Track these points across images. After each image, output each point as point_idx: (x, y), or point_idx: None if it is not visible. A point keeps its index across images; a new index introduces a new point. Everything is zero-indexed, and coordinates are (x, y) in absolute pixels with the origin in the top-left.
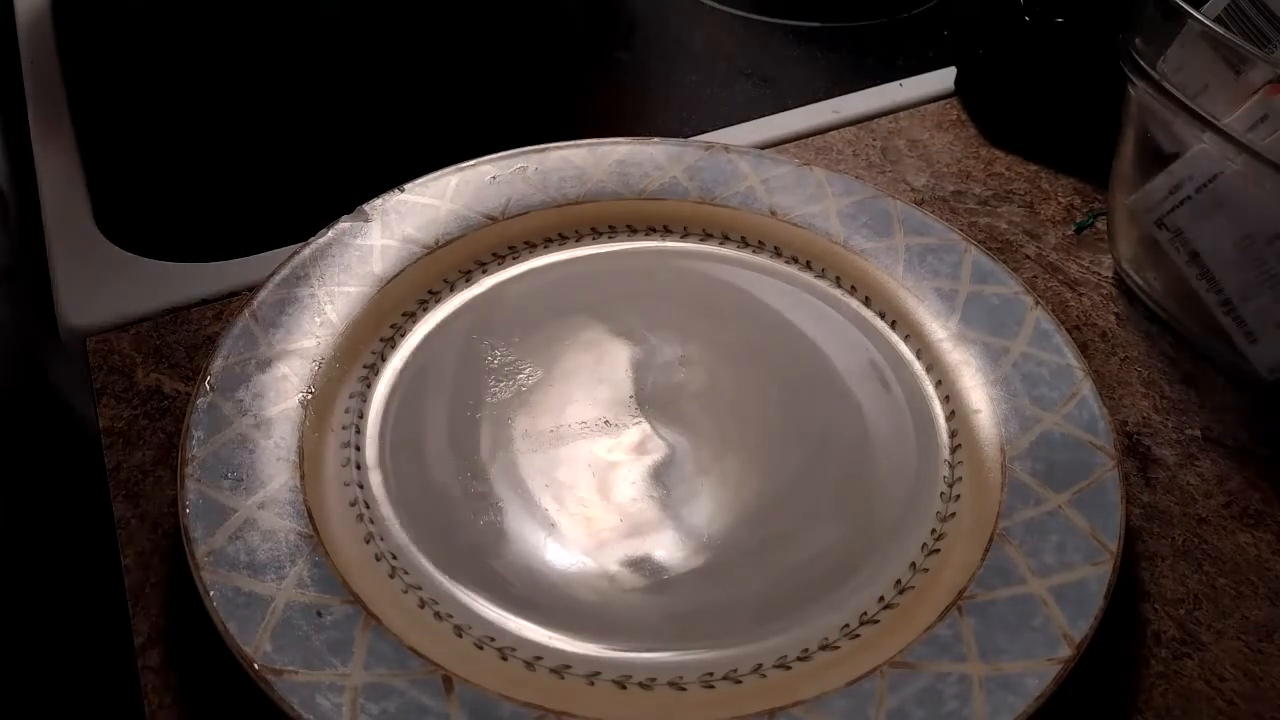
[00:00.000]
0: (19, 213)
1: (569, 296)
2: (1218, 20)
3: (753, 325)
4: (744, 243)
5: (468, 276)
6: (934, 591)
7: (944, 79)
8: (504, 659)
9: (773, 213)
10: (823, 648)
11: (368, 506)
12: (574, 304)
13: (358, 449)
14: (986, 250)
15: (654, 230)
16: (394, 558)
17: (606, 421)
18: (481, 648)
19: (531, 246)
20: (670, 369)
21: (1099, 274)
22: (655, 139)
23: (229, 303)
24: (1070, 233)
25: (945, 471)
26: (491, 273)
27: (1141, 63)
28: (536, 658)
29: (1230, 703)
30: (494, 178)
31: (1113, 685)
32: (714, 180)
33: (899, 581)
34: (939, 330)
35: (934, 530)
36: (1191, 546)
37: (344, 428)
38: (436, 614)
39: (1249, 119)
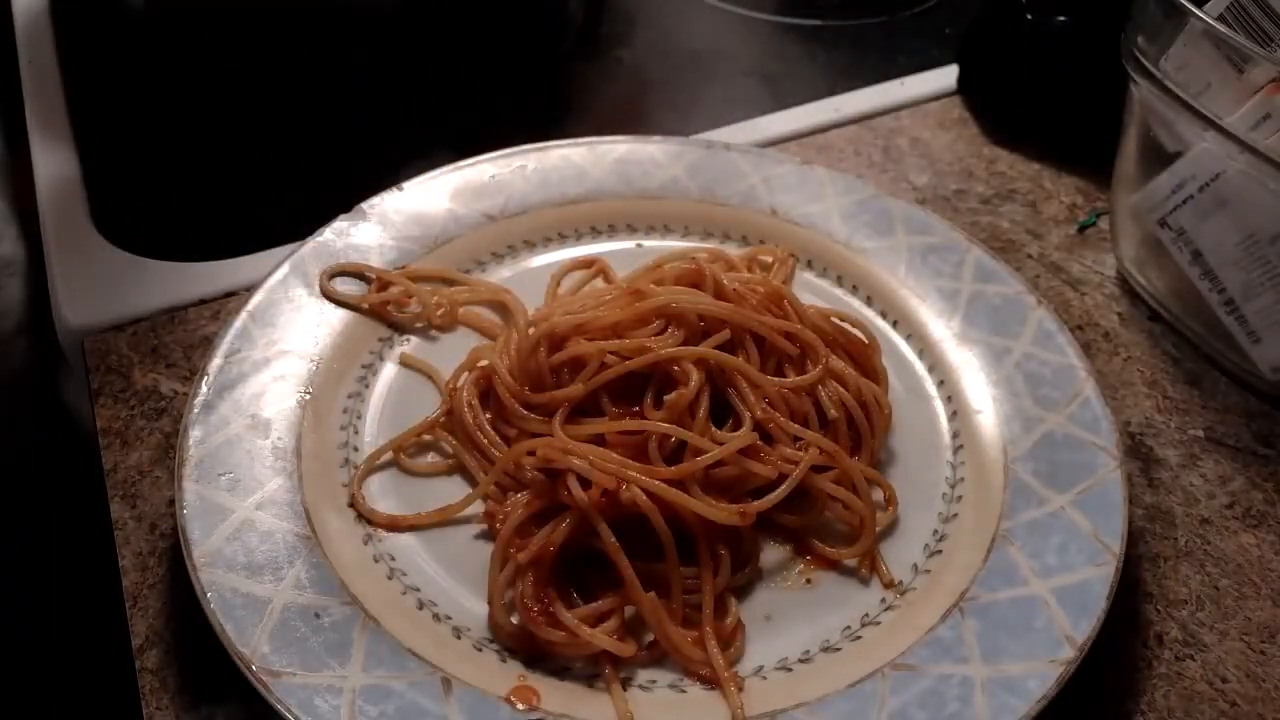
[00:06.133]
0: (17, 212)
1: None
2: (1220, 19)
3: None
4: (745, 241)
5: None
6: (936, 593)
7: (946, 77)
8: (504, 661)
9: (774, 211)
10: (824, 649)
11: None
12: None
13: (356, 449)
14: (989, 250)
15: (654, 229)
16: (393, 559)
17: None
18: (481, 649)
19: (530, 246)
20: None
21: (1101, 273)
22: (655, 137)
23: (226, 302)
24: (1073, 232)
25: (947, 472)
26: (490, 272)
27: (1144, 61)
28: (536, 660)
29: (1233, 704)
30: (493, 176)
31: (1115, 687)
32: (714, 179)
33: (900, 582)
34: (941, 330)
35: (935, 531)
36: (1194, 547)
37: (342, 428)
38: (435, 615)
39: (1251, 118)
